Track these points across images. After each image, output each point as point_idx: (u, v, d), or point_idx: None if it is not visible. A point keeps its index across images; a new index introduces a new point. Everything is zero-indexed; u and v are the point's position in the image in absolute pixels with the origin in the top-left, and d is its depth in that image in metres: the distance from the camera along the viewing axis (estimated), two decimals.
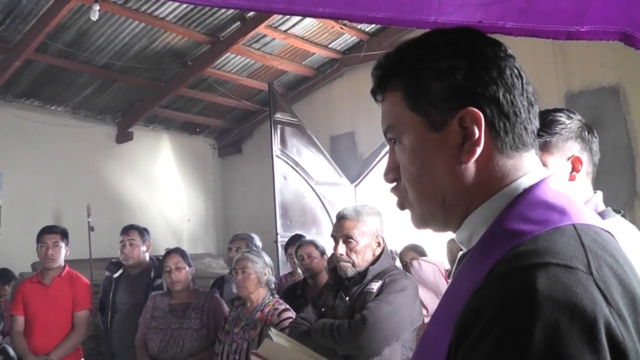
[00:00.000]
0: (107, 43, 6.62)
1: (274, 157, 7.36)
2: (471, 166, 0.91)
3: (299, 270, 4.39)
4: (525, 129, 0.93)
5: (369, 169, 8.45)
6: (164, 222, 8.63)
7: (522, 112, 0.92)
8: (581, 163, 1.74)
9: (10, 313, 4.26)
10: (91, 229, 6.33)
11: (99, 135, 8.15)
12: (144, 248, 4.35)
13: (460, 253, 1.01)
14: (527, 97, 0.93)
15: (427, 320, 3.36)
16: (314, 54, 8.24)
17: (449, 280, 4.18)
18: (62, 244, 4.28)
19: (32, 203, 7.16)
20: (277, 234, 7.24)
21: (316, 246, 4.18)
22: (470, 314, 0.74)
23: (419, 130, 0.94)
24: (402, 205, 1.02)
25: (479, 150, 0.90)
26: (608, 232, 0.84)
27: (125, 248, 4.26)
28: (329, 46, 8.13)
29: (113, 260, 4.55)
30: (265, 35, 7.36)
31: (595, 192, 1.82)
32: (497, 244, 0.81)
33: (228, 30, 7.06)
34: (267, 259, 3.53)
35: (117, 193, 8.18)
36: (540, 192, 0.88)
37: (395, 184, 1.02)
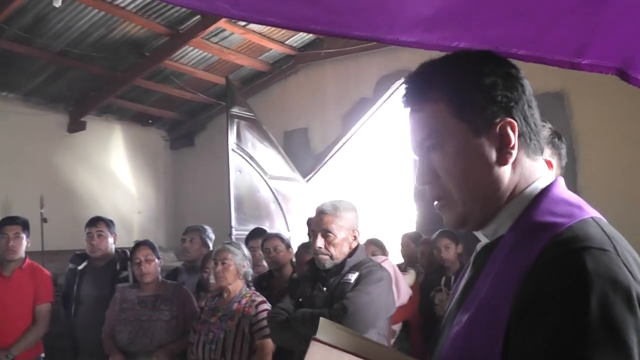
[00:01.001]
0: (65, 29, 6.50)
1: (230, 150, 7.37)
2: (508, 168, 1.05)
3: (264, 263, 4.44)
4: (540, 137, 1.10)
5: (322, 164, 8.59)
6: (115, 214, 8.41)
7: (537, 123, 1.09)
8: (552, 166, 1.96)
9: None
10: (44, 220, 6.20)
11: (51, 124, 7.95)
12: (111, 240, 4.30)
13: (482, 244, 1.13)
14: (538, 112, 1.10)
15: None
16: (271, 49, 8.31)
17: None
18: (24, 235, 4.18)
19: None
20: (231, 227, 7.26)
21: (282, 239, 4.25)
22: (532, 293, 0.88)
23: (463, 135, 1.06)
24: (441, 207, 1.12)
25: (514, 153, 1.05)
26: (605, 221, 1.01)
27: (94, 240, 4.19)
28: (286, 42, 8.21)
29: (77, 252, 4.47)
30: (224, 30, 7.38)
31: None
32: (537, 234, 0.95)
33: (188, 23, 7.05)
34: (246, 252, 3.58)
35: (68, 184, 8.00)
36: (557, 191, 1.04)
37: (430, 186, 1.12)
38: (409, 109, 1.15)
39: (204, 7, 1.72)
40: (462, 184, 1.07)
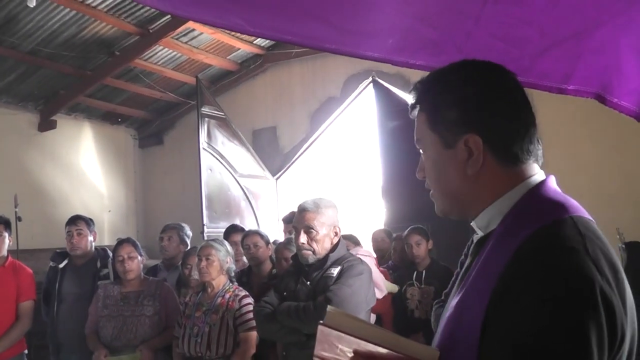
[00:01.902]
0: (35, 29, 6.51)
1: (201, 149, 7.48)
2: (476, 175, 1.20)
3: (244, 259, 4.57)
4: (521, 147, 1.21)
5: (290, 162, 8.74)
6: (85, 212, 8.30)
7: (518, 136, 1.20)
8: None
9: None
10: (18, 219, 6.19)
11: (21, 123, 7.93)
12: (90, 238, 4.37)
13: (476, 236, 1.30)
14: (523, 124, 1.22)
15: None
16: (239, 49, 8.42)
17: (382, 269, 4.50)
18: (6, 234, 4.22)
19: None
20: (203, 224, 7.37)
21: (261, 236, 4.37)
22: (507, 282, 1.03)
23: (435, 146, 1.24)
24: (432, 197, 1.31)
25: (479, 165, 1.19)
26: (590, 219, 1.15)
27: (74, 238, 4.26)
28: (254, 42, 8.32)
29: (58, 250, 4.54)
30: (193, 30, 7.46)
31: None
32: (518, 231, 1.10)
33: (158, 23, 7.11)
34: (229, 248, 3.72)
35: (39, 182, 7.98)
36: (542, 191, 1.18)
37: (426, 179, 1.31)
38: (413, 114, 1.32)
39: (219, 23, 1.86)
40: (436, 186, 1.27)
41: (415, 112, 1.30)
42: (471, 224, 1.30)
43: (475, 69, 1.26)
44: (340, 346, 1.21)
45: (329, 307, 1.34)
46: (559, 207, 1.12)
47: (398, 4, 1.45)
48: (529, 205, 1.16)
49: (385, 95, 7.61)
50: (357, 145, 8.34)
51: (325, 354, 1.26)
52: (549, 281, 0.98)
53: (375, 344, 1.15)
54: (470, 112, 1.19)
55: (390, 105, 7.46)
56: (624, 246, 4.72)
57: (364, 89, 7.99)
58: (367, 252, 4.65)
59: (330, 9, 1.50)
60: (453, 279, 1.44)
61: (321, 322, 1.21)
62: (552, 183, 1.22)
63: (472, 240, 1.33)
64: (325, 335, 1.23)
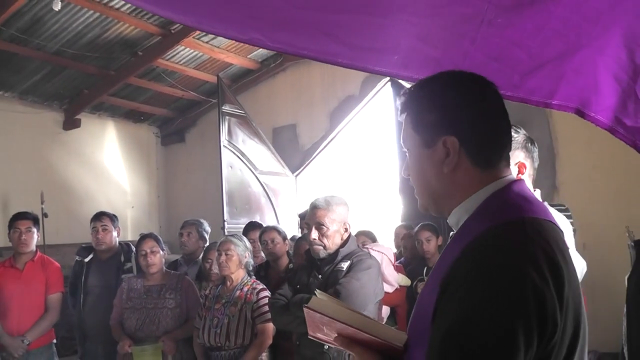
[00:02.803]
0: (60, 30, 6.71)
1: (222, 147, 7.64)
2: (451, 174, 1.31)
3: (262, 254, 4.71)
4: (494, 151, 1.32)
5: (310, 159, 8.85)
6: (109, 208, 8.57)
7: (490, 140, 1.31)
8: (525, 168, 2.29)
9: None
10: (45, 215, 6.43)
11: (46, 122, 8.16)
12: (115, 233, 4.57)
13: (451, 233, 1.44)
14: (497, 131, 1.33)
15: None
16: (259, 48, 8.53)
17: (397, 264, 4.63)
18: (35, 230, 4.44)
19: None
20: (224, 220, 7.53)
21: (279, 232, 4.50)
22: (450, 276, 1.14)
23: (417, 145, 1.35)
24: (416, 194, 1.43)
25: (453, 164, 1.30)
26: (550, 221, 1.25)
27: (99, 234, 4.46)
28: None
29: (83, 245, 4.74)
30: None
31: (535, 190, 2.33)
32: (471, 230, 1.22)
33: (180, 24, 7.26)
34: (247, 244, 3.87)
35: (64, 180, 8.21)
36: (506, 194, 1.28)
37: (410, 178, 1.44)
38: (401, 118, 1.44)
39: (241, 38, 1.99)
40: (417, 183, 1.38)
41: (401, 116, 1.42)
42: (447, 221, 1.41)
43: (457, 78, 1.37)
44: (325, 328, 1.34)
45: (317, 292, 1.48)
46: (515, 209, 1.22)
47: (402, 25, 1.59)
48: (490, 205, 1.26)
49: None
50: (375, 143, 8.43)
51: (318, 335, 1.40)
52: (479, 277, 1.09)
53: (353, 327, 1.28)
54: (449, 115, 1.30)
55: None
56: (632, 244, 4.76)
57: (382, 87, 8.07)
58: (382, 248, 4.77)
59: (342, 28, 1.65)
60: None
61: (305, 305, 1.35)
62: (520, 186, 1.30)
63: (450, 237, 1.46)
64: (310, 317, 1.37)
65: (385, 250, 4.80)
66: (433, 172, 1.33)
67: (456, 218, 1.33)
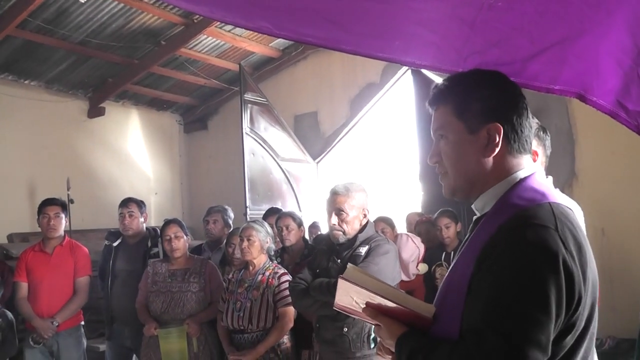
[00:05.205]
0: (85, 21, 6.82)
1: (244, 134, 7.73)
2: (491, 160, 1.43)
3: (278, 239, 4.78)
4: (526, 141, 1.45)
5: (331, 146, 8.91)
6: (133, 195, 8.74)
7: (525, 130, 1.45)
8: (537, 155, 2.35)
9: (14, 280, 4.52)
10: (71, 201, 6.56)
11: (71, 110, 8.31)
12: (141, 219, 4.69)
13: (475, 217, 1.52)
14: (529, 122, 1.46)
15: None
16: (268, 35, 8.57)
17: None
18: (63, 215, 4.59)
19: (7, 176, 7.33)
20: (246, 207, 7.64)
21: (294, 218, 4.53)
22: (488, 250, 1.26)
23: (460, 131, 1.45)
24: (442, 179, 1.53)
25: (497, 150, 1.42)
26: (569, 208, 1.36)
27: (125, 219, 4.59)
28: None
29: (112, 230, 4.88)
30: None
31: (547, 177, 2.39)
32: (505, 211, 1.34)
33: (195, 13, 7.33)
34: (269, 229, 3.96)
35: (89, 167, 8.37)
36: (530, 181, 1.41)
37: (437, 164, 1.53)
38: (433, 108, 1.54)
39: (248, 25, 2.06)
40: (455, 166, 1.47)
41: (437, 106, 1.52)
42: (472, 206, 1.52)
43: (490, 75, 1.50)
44: (355, 298, 1.44)
45: (349, 265, 1.57)
46: (541, 194, 1.35)
47: (403, 10, 1.64)
48: (517, 192, 1.38)
49: (422, 81, 7.68)
50: (395, 130, 8.47)
51: (343, 305, 1.50)
52: (517, 251, 1.21)
53: (384, 297, 1.38)
54: (495, 104, 1.42)
55: (427, 90, 7.46)
56: None
57: (403, 75, 8.09)
58: (419, 243, 4.84)
59: (344, 15, 1.70)
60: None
61: (341, 275, 1.45)
62: (541, 175, 1.44)
63: (473, 221, 1.54)
64: (343, 287, 1.47)
65: (420, 245, 4.86)
66: (474, 158, 1.43)
67: (483, 202, 1.45)
